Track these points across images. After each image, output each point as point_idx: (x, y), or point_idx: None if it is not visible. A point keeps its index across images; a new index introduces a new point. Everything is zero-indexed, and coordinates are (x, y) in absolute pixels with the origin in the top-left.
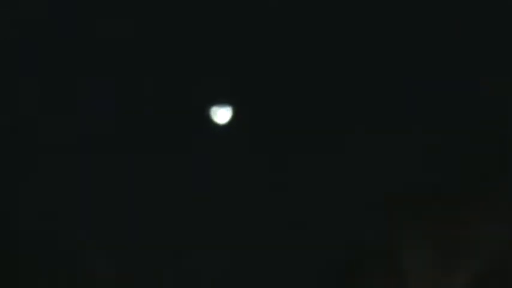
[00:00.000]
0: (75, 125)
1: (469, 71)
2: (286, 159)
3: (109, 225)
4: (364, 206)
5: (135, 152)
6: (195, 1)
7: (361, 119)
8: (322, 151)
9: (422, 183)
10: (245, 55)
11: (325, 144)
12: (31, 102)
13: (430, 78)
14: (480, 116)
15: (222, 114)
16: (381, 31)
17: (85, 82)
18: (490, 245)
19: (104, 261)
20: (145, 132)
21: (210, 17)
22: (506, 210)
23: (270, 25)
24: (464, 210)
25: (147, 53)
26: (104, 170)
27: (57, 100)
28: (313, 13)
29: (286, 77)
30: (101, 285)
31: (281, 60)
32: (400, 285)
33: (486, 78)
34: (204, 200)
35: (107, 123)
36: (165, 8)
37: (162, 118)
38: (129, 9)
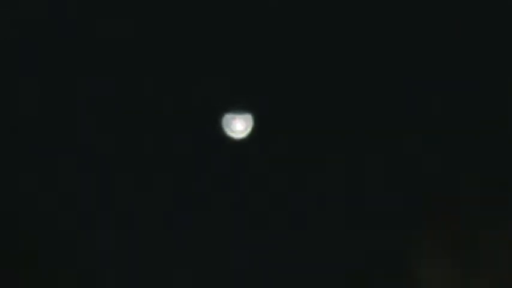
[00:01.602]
0: (75, 125)
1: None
2: (306, 167)
3: (109, 225)
4: (380, 212)
5: (135, 160)
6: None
7: (376, 123)
8: (338, 158)
9: (439, 187)
10: (257, 54)
11: (341, 150)
12: (31, 102)
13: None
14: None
15: (238, 125)
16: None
17: (85, 82)
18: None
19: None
20: (148, 140)
21: (220, 18)
22: None
23: (287, 27)
24: (482, 215)
25: (150, 55)
26: (105, 171)
27: (57, 100)
28: (326, 14)
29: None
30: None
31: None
32: None
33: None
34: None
35: (107, 124)
36: (168, 10)
37: (165, 129)
38: (132, 9)
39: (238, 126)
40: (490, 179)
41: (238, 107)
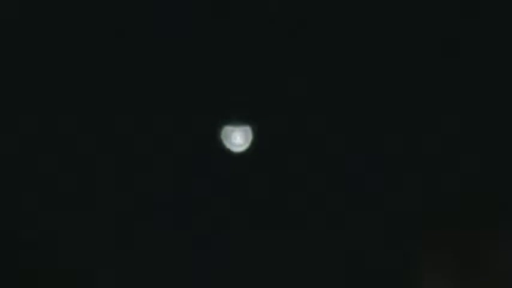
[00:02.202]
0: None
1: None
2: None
3: (109, 228)
4: (386, 227)
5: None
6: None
7: (376, 133)
8: (339, 170)
9: (446, 202)
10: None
11: (342, 162)
12: (31, 103)
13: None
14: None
15: (237, 138)
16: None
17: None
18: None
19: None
20: (147, 150)
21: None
22: None
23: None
24: (489, 231)
25: (148, 62)
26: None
27: (59, 103)
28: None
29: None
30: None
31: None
32: None
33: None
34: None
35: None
36: (168, 17)
37: (163, 139)
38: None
39: (238, 139)
40: (492, 194)
41: (238, 120)
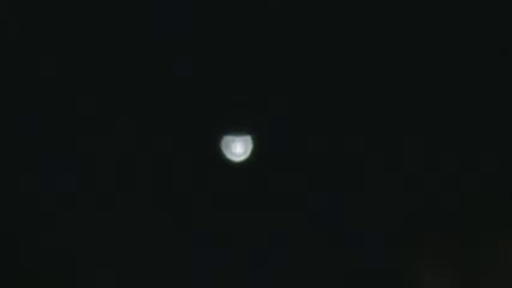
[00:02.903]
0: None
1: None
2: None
3: (109, 228)
4: (383, 235)
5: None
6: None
7: (375, 142)
8: (339, 181)
9: (446, 202)
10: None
11: (343, 173)
12: (31, 102)
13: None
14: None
15: (238, 147)
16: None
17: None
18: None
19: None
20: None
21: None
22: None
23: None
24: (489, 231)
25: (147, 71)
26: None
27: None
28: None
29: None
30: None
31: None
32: None
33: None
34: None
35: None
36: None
37: (163, 150)
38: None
39: (238, 148)
40: (491, 197)
41: (238, 129)
